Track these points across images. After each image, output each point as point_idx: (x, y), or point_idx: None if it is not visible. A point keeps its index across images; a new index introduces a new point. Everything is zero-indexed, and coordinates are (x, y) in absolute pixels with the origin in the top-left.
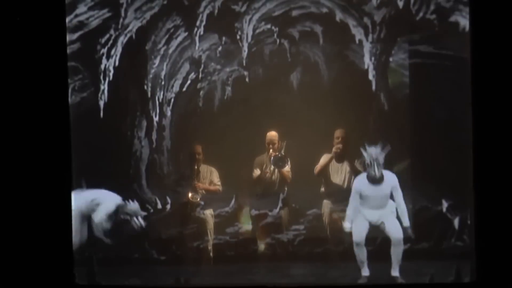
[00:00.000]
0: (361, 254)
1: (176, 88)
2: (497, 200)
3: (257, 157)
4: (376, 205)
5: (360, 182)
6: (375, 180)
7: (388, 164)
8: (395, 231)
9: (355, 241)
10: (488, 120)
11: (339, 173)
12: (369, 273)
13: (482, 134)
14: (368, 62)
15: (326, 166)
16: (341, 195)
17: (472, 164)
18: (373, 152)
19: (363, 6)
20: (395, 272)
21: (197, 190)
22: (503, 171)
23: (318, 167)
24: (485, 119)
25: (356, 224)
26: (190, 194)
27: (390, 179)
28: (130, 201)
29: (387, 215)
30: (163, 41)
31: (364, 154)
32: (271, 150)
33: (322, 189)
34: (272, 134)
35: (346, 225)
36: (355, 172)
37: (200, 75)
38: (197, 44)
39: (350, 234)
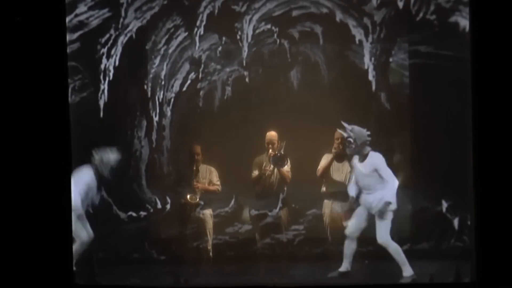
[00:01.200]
0: (350, 248)
1: (176, 88)
2: (497, 200)
3: (257, 157)
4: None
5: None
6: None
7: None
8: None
9: (349, 233)
10: (488, 120)
11: (339, 173)
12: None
13: (482, 134)
14: (368, 62)
15: (328, 168)
16: (342, 195)
17: (472, 164)
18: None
19: (363, 6)
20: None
21: (196, 190)
22: (503, 171)
23: (320, 169)
24: (485, 119)
25: (355, 214)
26: (188, 196)
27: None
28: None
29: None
30: (163, 41)
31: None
32: (270, 150)
33: (323, 189)
34: (272, 134)
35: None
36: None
37: (200, 75)
38: (197, 44)
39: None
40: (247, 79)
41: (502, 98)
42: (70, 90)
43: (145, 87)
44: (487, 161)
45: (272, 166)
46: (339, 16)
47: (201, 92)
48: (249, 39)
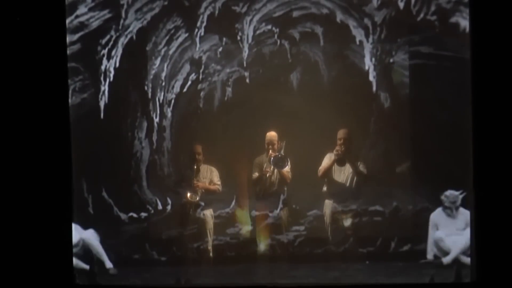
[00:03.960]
0: None
1: (176, 89)
2: (497, 200)
3: (257, 158)
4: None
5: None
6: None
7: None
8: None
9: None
10: (488, 120)
11: (341, 173)
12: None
13: (482, 134)
14: (368, 63)
15: (329, 168)
16: (343, 196)
17: (472, 164)
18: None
19: (363, 7)
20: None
21: (196, 190)
22: (503, 171)
23: (321, 169)
24: (485, 119)
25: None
26: (188, 194)
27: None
28: None
29: None
30: (163, 42)
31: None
32: (270, 151)
33: (325, 189)
34: (272, 135)
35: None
36: (357, 173)
37: (200, 76)
38: (198, 45)
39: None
40: (247, 80)
41: (502, 98)
42: (70, 91)
43: (146, 88)
44: (487, 161)
45: (272, 166)
46: (339, 16)
47: (202, 93)
48: (250, 40)
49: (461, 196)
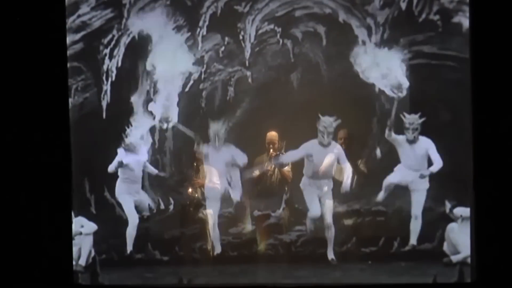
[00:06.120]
0: None
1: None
2: (497, 199)
3: (257, 157)
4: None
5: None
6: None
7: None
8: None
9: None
10: (488, 120)
11: (341, 173)
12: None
13: (483, 134)
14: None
15: (329, 167)
16: (343, 196)
17: (472, 164)
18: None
19: (366, 7)
20: None
21: (196, 186)
22: (503, 171)
23: (322, 168)
24: (486, 119)
25: None
26: (190, 190)
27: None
28: None
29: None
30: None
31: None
32: (271, 150)
33: (325, 188)
34: (272, 134)
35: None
36: (357, 172)
37: (202, 76)
38: (200, 44)
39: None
40: (249, 80)
41: (503, 98)
42: (72, 90)
43: (148, 87)
44: (487, 162)
45: (273, 166)
46: (342, 16)
47: (204, 93)
48: (252, 39)
49: (420, 120)
